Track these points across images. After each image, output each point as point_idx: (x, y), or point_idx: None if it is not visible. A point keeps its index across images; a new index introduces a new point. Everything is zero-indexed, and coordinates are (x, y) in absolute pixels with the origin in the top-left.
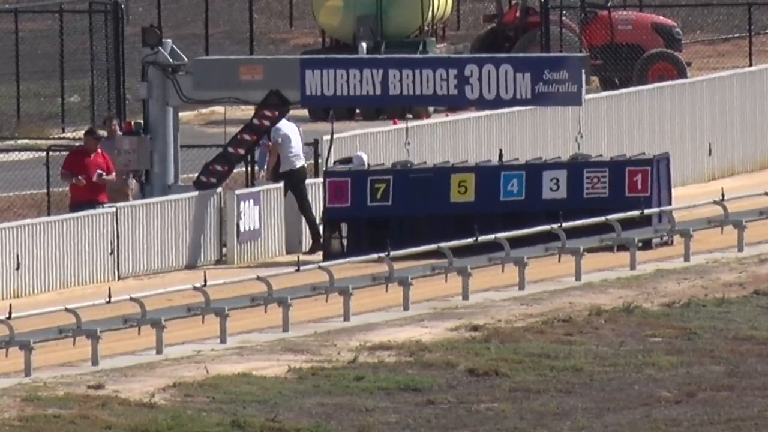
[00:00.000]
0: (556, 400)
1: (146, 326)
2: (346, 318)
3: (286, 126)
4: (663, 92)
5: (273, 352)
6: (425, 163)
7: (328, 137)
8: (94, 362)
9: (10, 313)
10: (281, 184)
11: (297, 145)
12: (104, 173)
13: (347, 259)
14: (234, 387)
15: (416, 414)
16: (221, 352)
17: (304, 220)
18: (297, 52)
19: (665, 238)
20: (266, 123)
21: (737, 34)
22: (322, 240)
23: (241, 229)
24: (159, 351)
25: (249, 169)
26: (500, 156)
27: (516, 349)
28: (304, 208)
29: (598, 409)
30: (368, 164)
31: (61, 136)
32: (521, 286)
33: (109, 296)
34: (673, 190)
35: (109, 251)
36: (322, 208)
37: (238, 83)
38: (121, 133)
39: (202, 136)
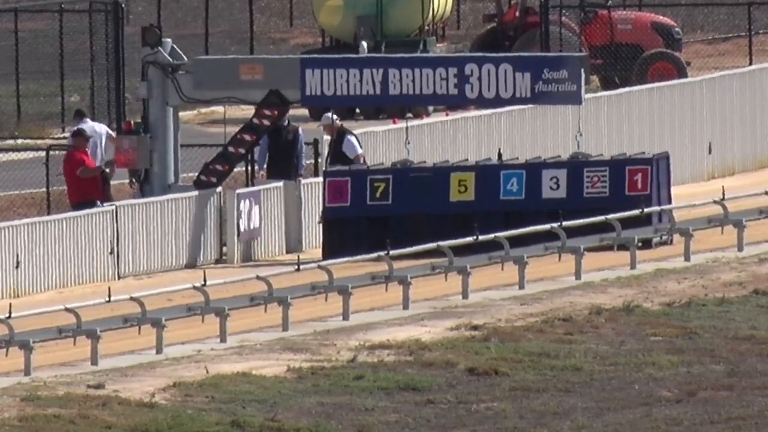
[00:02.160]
0: (556, 400)
1: (146, 326)
2: (346, 317)
3: (91, 130)
4: (663, 92)
5: (272, 351)
6: (425, 162)
7: (328, 137)
8: (94, 362)
9: (9, 312)
10: (281, 183)
11: (97, 150)
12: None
13: (347, 258)
14: (233, 386)
15: (416, 413)
16: (221, 352)
17: None
18: (297, 52)
19: (665, 238)
20: (266, 122)
21: (737, 34)
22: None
23: (241, 228)
24: (159, 350)
25: (249, 168)
26: (500, 155)
27: (516, 349)
28: None
29: (598, 409)
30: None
31: (61, 135)
32: (521, 286)
33: (109, 296)
34: (672, 189)
35: (109, 250)
36: (321, 208)
37: (238, 83)
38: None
39: (202, 136)
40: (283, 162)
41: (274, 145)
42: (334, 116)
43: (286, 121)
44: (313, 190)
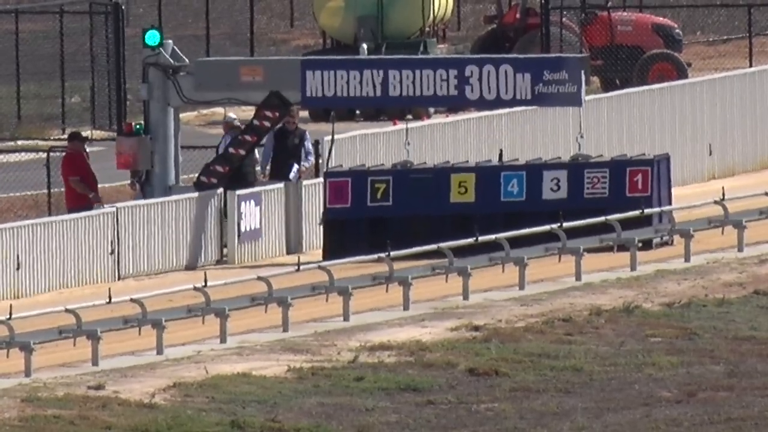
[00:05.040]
0: (556, 400)
1: (146, 327)
2: (346, 318)
3: None
4: (663, 93)
5: (273, 352)
6: (425, 163)
7: (329, 138)
8: (95, 363)
9: (10, 313)
10: (282, 185)
11: None
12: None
13: (347, 259)
14: (234, 387)
15: (416, 414)
16: (221, 353)
17: None
18: (298, 53)
19: (665, 238)
20: (267, 124)
21: (737, 35)
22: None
23: (242, 229)
24: (159, 351)
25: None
26: (500, 156)
27: (516, 349)
28: None
29: (598, 409)
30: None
31: (62, 137)
32: (521, 286)
33: (110, 297)
34: (673, 190)
35: (110, 252)
36: (322, 209)
37: (238, 84)
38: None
39: (202, 137)
40: (287, 166)
41: (279, 147)
42: (232, 115)
43: (294, 126)
44: (313, 192)
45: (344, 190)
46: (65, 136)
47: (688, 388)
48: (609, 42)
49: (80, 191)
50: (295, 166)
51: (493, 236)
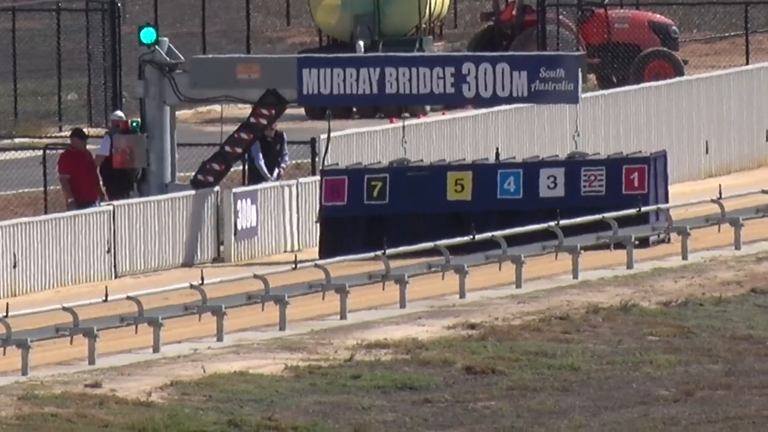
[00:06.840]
0: (553, 399)
1: (143, 325)
2: (343, 316)
3: None
4: (660, 90)
5: (270, 350)
6: (422, 161)
7: (325, 136)
8: (91, 361)
9: (7, 311)
10: (278, 183)
11: None
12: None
13: (344, 257)
14: (231, 385)
15: (413, 412)
16: (218, 351)
17: None
18: (294, 51)
19: (662, 236)
20: (263, 122)
21: (734, 33)
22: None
23: (238, 227)
24: (156, 349)
25: (245, 167)
26: (497, 154)
27: (513, 348)
28: None
29: (595, 408)
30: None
31: (59, 134)
32: (518, 284)
33: (106, 295)
34: (670, 188)
35: (107, 250)
36: (319, 207)
37: (235, 82)
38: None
39: (199, 135)
40: (272, 170)
41: (263, 154)
42: (119, 113)
43: (273, 134)
44: (310, 190)
45: (341, 187)
46: (62, 134)
47: (686, 386)
48: (605, 40)
49: (64, 191)
50: (276, 171)
51: (489, 234)
